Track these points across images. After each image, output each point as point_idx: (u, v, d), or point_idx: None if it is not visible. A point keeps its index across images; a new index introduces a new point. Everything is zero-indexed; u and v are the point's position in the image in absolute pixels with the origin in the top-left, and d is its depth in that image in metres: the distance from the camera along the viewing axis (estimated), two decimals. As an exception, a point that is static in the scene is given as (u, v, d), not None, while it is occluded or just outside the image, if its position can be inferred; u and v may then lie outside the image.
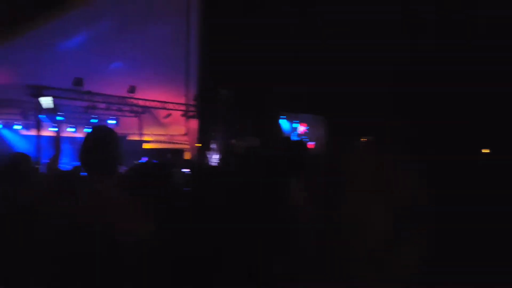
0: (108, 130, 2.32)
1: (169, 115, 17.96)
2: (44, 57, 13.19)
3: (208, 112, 13.70)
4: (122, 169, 3.10)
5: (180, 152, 18.51)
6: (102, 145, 2.17)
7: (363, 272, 1.99)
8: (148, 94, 16.49)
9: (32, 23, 11.33)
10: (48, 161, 3.60)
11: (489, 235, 3.64)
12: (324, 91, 9.07)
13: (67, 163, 9.50)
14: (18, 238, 2.36)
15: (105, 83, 14.94)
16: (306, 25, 8.92)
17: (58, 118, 16.07)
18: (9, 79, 13.72)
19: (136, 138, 19.35)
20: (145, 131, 19.83)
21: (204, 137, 14.11)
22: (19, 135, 17.04)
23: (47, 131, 15.79)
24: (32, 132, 15.09)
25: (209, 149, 14.22)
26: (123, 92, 15.99)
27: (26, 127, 16.54)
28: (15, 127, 16.73)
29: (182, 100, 17.23)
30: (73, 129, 16.68)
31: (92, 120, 16.55)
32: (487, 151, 6.89)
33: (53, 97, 13.62)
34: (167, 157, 16.29)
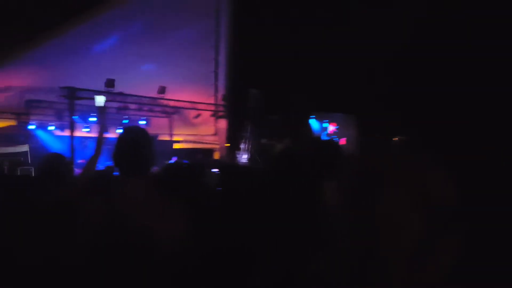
0: (141, 131, 2.32)
1: (198, 115, 18.06)
2: (78, 59, 13.43)
3: (237, 112, 13.73)
4: (154, 169, 3.12)
5: (209, 152, 18.61)
6: (136, 146, 2.17)
7: (397, 273, 1.96)
8: (178, 95, 16.61)
9: (66, 26, 11.58)
10: (85, 161, 3.65)
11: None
12: (355, 90, 8.97)
13: (99, 163, 9.66)
14: (56, 238, 2.40)
15: (137, 84, 15.12)
16: (337, 24, 8.84)
17: (91, 119, 16.39)
18: (44, 81, 14.05)
19: (167, 138, 19.54)
20: (175, 132, 19.99)
21: (234, 137, 14.14)
22: (53, 135, 17.42)
23: (81, 131, 16.14)
24: (66, 133, 15.40)
25: (239, 149, 14.26)
26: (154, 93, 16.15)
27: (60, 128, 16.88)
28: (49, 128, 17.11)
29: (212, 100, 17.31)
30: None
31: (123, 121, 16.78)
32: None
33: (86, 98, 13.90)
34: (197, 157, 16.40)
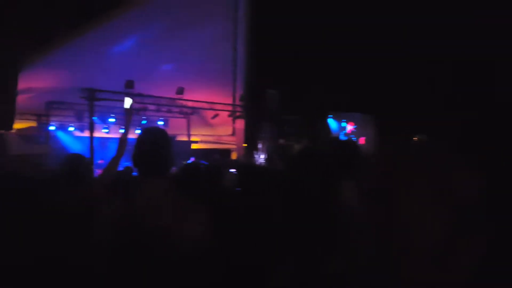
0: (161, 132, 2.32)
1: (216, 115, 18.09)
2: (98, 61, 13.57)
3: (255, 112, 13.73)
4: (172, 169, 3.13)
5: (227, 152, 18.64)
6: (155, 147, 2.18)
7: (420, 274, 1.93)
8: (196, 95, 16.67)
9: (85, 28, 11.72)
10: (104, 162, 3.68)
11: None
12: (373, 89, 8.91)
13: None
14: (77, 238, 2.43)
15: (155, 85, 15.22)
16: (356, 25, 8.80)
17: (110, 120, 16.56)
18: (64, 82, 14.23)
19: (185, 139, 19.62)
20: (193, 132, 20.06)
21: (251, 137, 14.14)
22: (73, 136, 17.64)
23: (100, 132, 16.30)
24: (85, 134, 15.57)
25: (256, 149, 14.25)
26: (172, 94, 16.23)
27: (80, 129, 17.08)
28: (69, 129, 17.33)
29: (230, 101, 17.33)
30: (123, 131, 17.06)
31: (142, 122, 16.89)
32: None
33: (106, 99, 14.04)
34: (215, 158, 16.44)
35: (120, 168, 7.19)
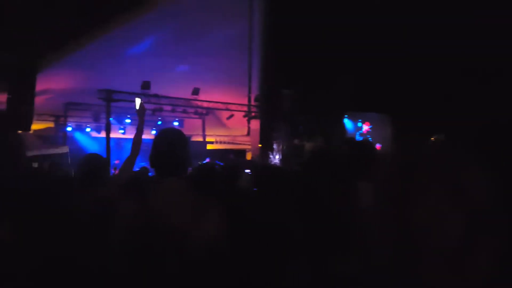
0: (177, 132, 2.33)
1: (231, 116, 18.13)
2: (115, 62, 13.69)
3: (270, 113, 13.71)
4: (188, 170, 3.15)
5: (242, 152, 18.66)
6: (172, 147, 2.19)
7: (436, 275, 1.92)
8: (212, 96, 16.72)
9: (102, 30, 11.83)
10: (119, 162, 3.71)
11: None
12: (390, 89, 8.85)
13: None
14: (95, 238, 2.45)
15: (171, 86, 15.30)
16: (369, 24, 8.75)
17: (127, 120, 16.71)
18: (82, 84, 14.39)
19: (200, 139, 19.70)
20: (208, 132, 20.13)
21: (266, 137, 14.12)
22: (89, 137, 17.83)
23: (116, 133, 16.45)
24: (102, 134, 15.73)
25: (271, 149, 14.22)
26: (188, 94, 16.29)
27: (96, 129, 17.26)
28: (86, 129, 17.52)
29: (245, 101, 17.36)
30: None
31: (157, 123, 17.00)
32: None
33: (122, 100, 14.15)
34: (230, 158, 16.47)
35: (136, 169, 7.25)
